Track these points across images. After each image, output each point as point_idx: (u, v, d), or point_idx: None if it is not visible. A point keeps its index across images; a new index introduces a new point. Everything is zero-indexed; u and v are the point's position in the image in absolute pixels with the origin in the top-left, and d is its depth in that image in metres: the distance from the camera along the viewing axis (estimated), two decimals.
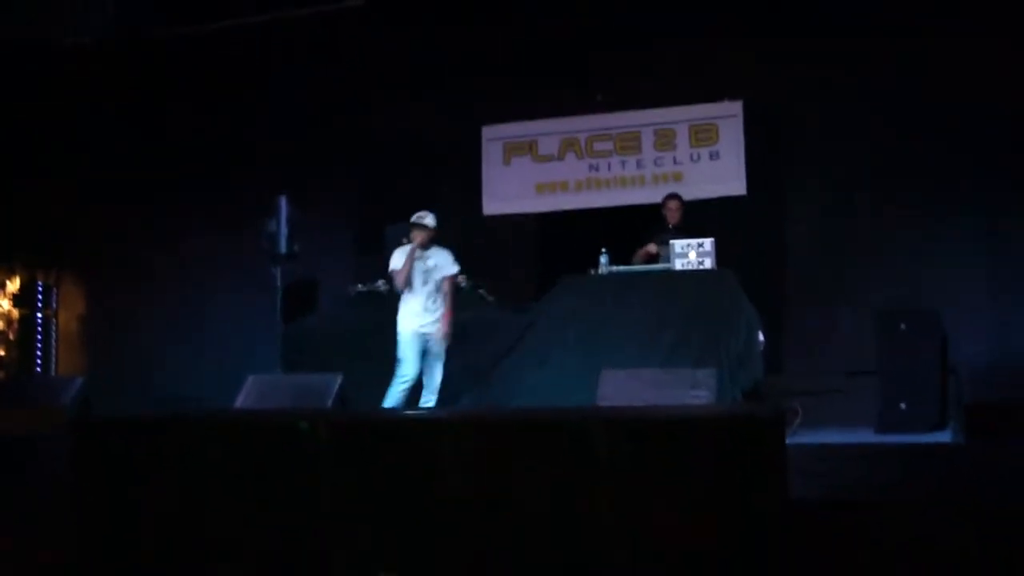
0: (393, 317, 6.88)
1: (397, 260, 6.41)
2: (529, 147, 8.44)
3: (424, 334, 6.31)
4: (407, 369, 6.23)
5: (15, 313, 8.96)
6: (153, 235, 8.46)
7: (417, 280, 6.38)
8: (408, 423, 3.63)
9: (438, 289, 6.38)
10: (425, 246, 6.41)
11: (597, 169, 8.24)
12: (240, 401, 5.92)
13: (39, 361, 9.02)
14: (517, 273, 8.06)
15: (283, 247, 7.38)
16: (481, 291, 7.12)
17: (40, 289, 9.09)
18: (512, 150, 8.47)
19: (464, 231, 8.15)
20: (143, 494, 3.49)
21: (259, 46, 8.31)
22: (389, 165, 8.42)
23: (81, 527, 3.56)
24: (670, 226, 7.02)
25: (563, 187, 8.32)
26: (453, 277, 6.45)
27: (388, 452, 3.33)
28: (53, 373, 9.02)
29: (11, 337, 8.94)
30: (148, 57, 8.56)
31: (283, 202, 7.42)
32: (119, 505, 3.53)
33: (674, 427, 3.03)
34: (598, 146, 8.27)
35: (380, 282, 7.07)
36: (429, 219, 6.43)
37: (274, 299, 7.42)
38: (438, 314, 6.33)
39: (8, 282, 8.95)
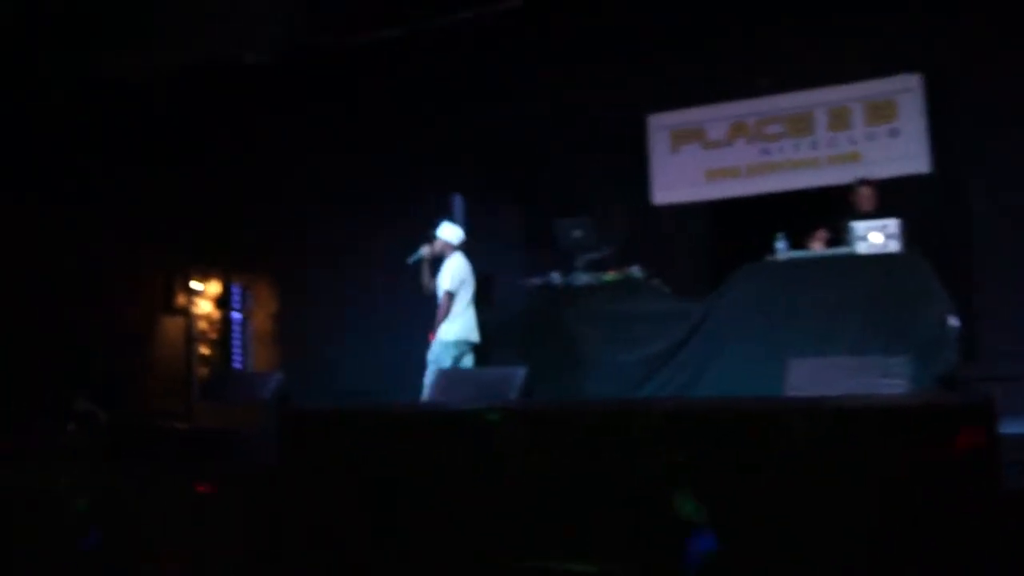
0: (567, 309, 7.07)
1: None
2: (697, 134, 8.43)
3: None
4: None
5: (215, 315, 9.69)
6: (336, 238, 8.93)
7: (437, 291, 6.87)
8: (598, 413, 3.71)
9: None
10: (439, 256, 6.83)
11: (769, 153, 8.15)
12: (427, 394, 6.16)
13: (237, 358, 9.71)
14: (691, 262, 8.05)
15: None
16: (655, 282, 7.14)
17: (236, 292, 9.79)
18: (680, 138, 8.48)
19: (634, 222, 8.25)
20: (346, 481, 3.74)
21: (426, 49, 8.59)
22: (555, 159, 8.56)
23: (288, 511, 3.85)
24: (861, 213, 6.73)
25: (734, 173, 8.27)
26: (448, 294, 6.74)
27: (579, 441, 3.44)
28: (250, 366, 9.69)
29: (212, 337, 9.67)
30: (323, 68, 8.98)
31: (457, 200, 7.69)
32: (323, 491, 3.79)
33: (878, 417, 3.00)
34: (769, 129, 8.18)
35: (554, 275, 7.23)
36: (439, 230, 6.88)
37: None
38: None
39: (208, 286, 9.69)
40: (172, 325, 9.61)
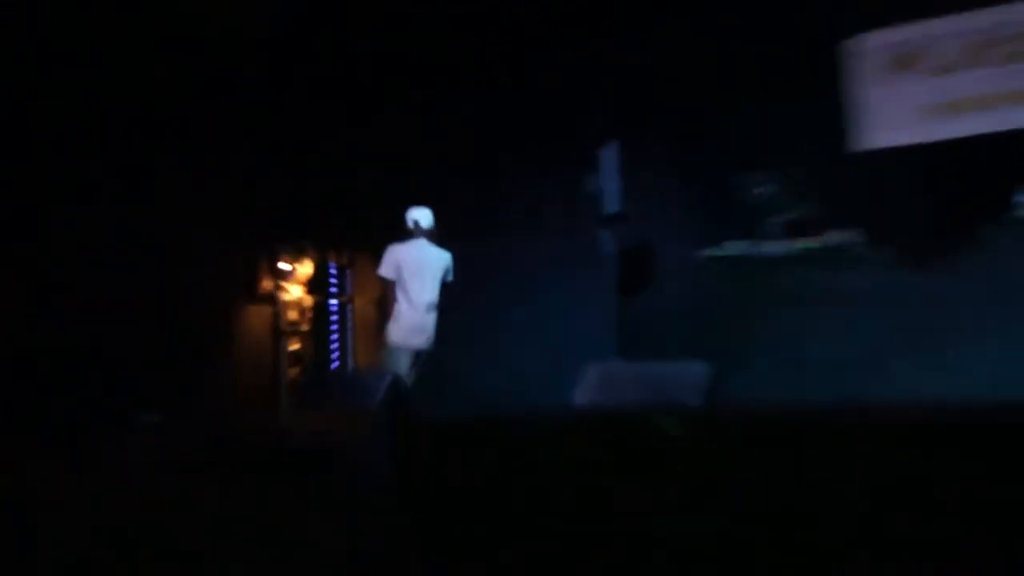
0: (754, 286, 7.03)
1: None
2: (916, 58, 8.10)
3: None
4: None
5: (308, 300, 9.84)
6: (453, 204, 8.93)
7: None
8: (806, 421, 3.64)
9: None
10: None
11: (1016, 77, 7.75)
12: (579, 394, 6.18)
13: (335, 354, 9.88)
14: (908, 222, 7.72)
15: (611, 207, 7.62)
16: (864, 249, 7.23)
17: (333, 273, 9.96)
18: (895, 63, 8.15)
19: (834, 172, 8.08)
20: (481, 510, 3.75)
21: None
22: (731, 100, 8.27)
23: (405, 525, 3.87)
24: None
25: (967, 106, 7.92)
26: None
27: (781, 457, 3.36)
28: (351, 364, 9.86)
29: (304, 328, 9.82)
30: None
31: (608, 154, 7.64)
32: (449, 519, 3.80)
33: None
34: (1015, 47, 7.78)
35: (734, 243, 7.27)
36: None
37: (602, 271, 7.67)
38: None
39: (299, 267, 9.82)
40: (256, 316, 9.79)
